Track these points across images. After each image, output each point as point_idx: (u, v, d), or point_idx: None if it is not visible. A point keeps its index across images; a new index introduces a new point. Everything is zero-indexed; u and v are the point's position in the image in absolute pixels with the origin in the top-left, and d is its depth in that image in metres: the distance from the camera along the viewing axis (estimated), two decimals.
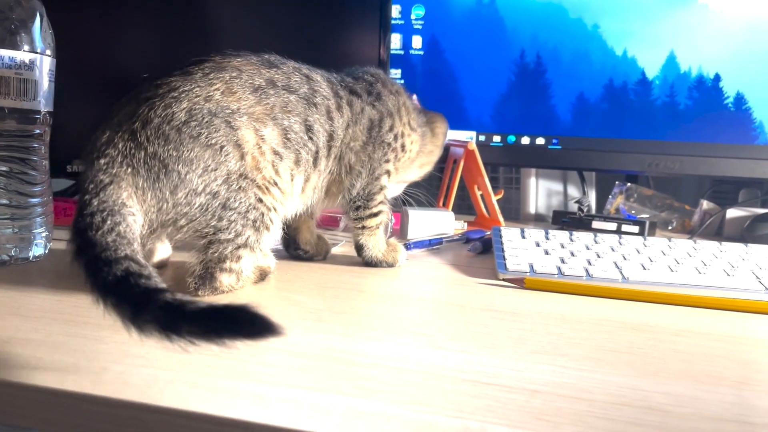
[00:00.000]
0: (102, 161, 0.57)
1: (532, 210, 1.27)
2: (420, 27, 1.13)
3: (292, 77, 0.68)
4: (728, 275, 0.70)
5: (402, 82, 1.15)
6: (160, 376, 0.40)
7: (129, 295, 0.45)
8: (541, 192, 1.27)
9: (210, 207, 0.59)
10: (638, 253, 0.76)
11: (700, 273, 0.70)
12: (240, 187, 0.60)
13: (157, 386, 0.39)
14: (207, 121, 0.59)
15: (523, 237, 0.82)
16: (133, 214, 0.56)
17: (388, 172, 0.76)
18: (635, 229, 0.99)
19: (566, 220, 1.05)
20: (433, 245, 0.87)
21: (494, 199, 1.03)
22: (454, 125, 1.14)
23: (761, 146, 1.00)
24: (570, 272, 0.70)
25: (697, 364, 0.47)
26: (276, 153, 0.64)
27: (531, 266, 0.71)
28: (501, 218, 1.03)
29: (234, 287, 0.61)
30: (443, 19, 1.11)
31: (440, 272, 0.74)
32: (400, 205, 0.89)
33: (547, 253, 0.76)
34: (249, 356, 0.44)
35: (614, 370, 0.45)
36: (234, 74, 0.63)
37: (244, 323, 0.40)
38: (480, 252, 0.85)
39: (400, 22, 1.13)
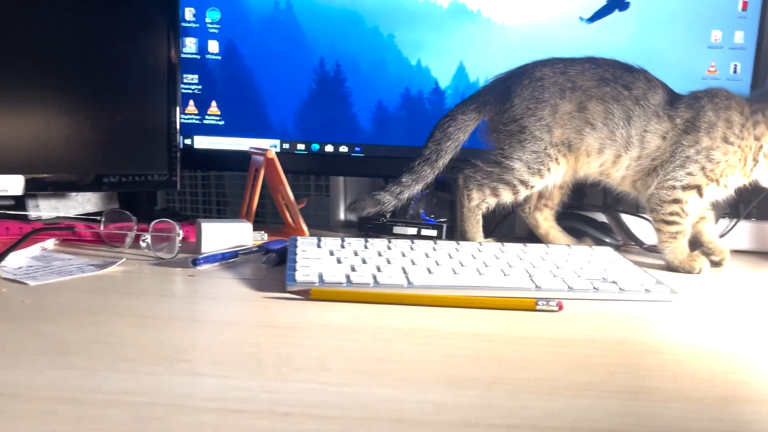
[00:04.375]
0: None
1: (341, 217, 1.27)
2: (216, 31, 1.08)
3: (636, 82, 0.88)
4: (505, 275, 0.73)
5: (200, 87, 1.10)
6: None
7: None
8: (350, 198, 1.28)
9: (518, 135, 0.90)
10: (427, 257, 0.78)
11: (480, 274, 0.73)
12: (539, 135, 0.89)
13: None
14: (547, 86, 0.89)
15: (319, 246, 0.81)
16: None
17: (696, 188, 0.86)
18: (434, 233, 1.02)
19: (370, 226, 1.06)
20: (227, 259, 0.83)
21: (297, 208, 1.01)
22: (257, 133, 1.11)
23: None
24: (358, 280, 0.69)
25: (457, 367, 0.48)
26: (590, 123, 0.88)
27: (320, 276, 0.70)
28: (305, 227, 1.02)
29: (469, 211, 0.93)
30: (240, 23, 1.07)
31: (227, 288, 0.70)
32: None
33: (339, 261, 0.75)
34: None
35: (374, 381, 0.44)
36: (593, 65, 0.90)
37: None
38: (276, 264, 0.82)
39: (194, 25, 1.08)
